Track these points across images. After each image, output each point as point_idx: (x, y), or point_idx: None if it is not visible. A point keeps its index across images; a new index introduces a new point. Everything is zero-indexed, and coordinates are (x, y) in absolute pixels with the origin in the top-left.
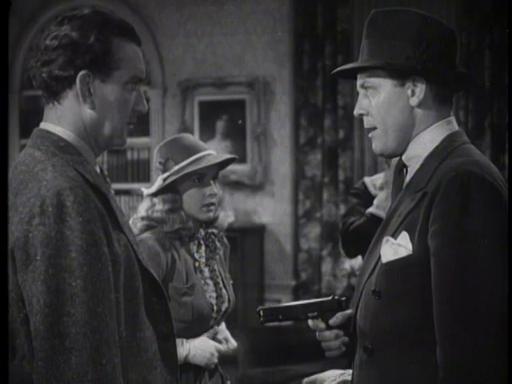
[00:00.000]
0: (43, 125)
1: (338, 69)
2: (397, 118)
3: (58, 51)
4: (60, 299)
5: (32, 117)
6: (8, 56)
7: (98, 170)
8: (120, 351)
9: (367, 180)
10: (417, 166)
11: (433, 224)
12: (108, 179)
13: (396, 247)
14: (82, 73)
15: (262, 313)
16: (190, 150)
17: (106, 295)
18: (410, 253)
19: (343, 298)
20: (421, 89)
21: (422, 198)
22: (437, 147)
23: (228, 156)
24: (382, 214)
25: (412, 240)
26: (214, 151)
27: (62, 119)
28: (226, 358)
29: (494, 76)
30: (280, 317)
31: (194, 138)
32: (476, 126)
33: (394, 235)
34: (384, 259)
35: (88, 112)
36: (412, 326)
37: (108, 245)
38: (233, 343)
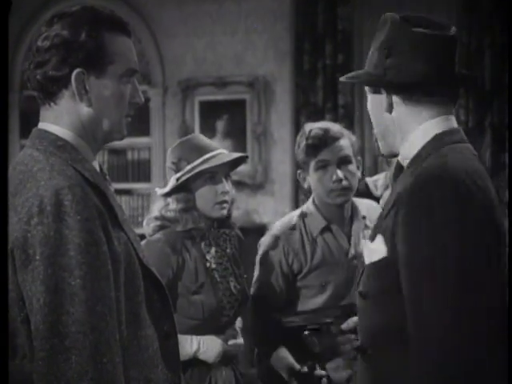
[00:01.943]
0: (41, 125)
1: (348, 79)
2: (380, 122)
3: (50, 52)
4: (59, 298)
5: (32, 117)
6: (8, 56)
7: (97, 167)
8: (121, 350)
9: (369, 180)
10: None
11: (399, 227)
12: (107, 177)
13: (372, 250)
14: (76, 71)
15: (283, 320)
16: (202, 149)
17: (105, 294)
18: (385, 255)
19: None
20: (390, 97)
21: (395, 200)
22: (422, 148)
23: (240, 154)
24: None
25: (386, 243)
26: (225, 150)
27: (59, 118)
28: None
29: (495, 75)
30: (299, 323)
31: (205, 138)
32: (476, 126)
33: (372, 238)
34: (366, 261)
35: (85, 110)
36: (395, 326)
37: (107, 243)
38: (240, 341)
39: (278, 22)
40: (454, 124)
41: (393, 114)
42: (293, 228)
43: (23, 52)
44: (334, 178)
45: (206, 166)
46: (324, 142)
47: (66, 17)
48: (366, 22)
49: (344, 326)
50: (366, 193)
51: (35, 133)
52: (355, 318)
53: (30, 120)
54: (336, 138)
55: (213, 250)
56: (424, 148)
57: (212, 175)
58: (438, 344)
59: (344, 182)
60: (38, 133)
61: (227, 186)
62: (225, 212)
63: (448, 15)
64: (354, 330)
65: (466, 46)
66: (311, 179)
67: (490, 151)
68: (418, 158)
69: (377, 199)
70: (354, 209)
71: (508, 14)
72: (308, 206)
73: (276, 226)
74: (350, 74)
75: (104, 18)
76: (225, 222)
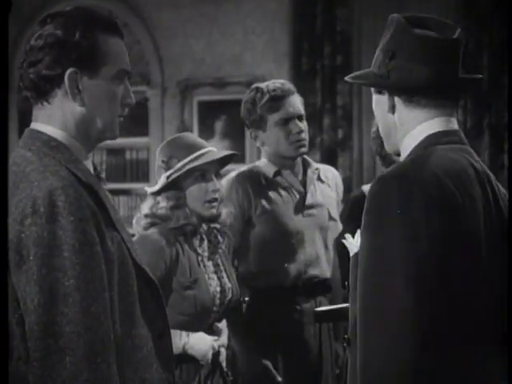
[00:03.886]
0: (33, 125)
1: (352, 79)
2: (382, 121)
3: (44, 51)
4: (53, 299)
5: (31, 117)
6: (8, 56)
7: (90, 167)
8: (115, 349)
9: (365, 188)
10: None
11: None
12: (101, 175)
13: (350, 245)
14: (69, 71)
15: (316, 315)
16: (192, 147)
17: (99, 294)
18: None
19: None
20: (392, 98)
21: None
22: (413, 149)
23: (230, 152)
24: None
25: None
26: (215, 148)
27: (52, 118)
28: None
29: (493, 75)
30: (333, 318)
31: (194, 136)
32: (474, 126)
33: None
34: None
35: (78, 109)
36: None
37: (101, 243)
38: (224, 339)
39: (277, 23)
40: (453, 125)
41: (395, 114)
42: (247, 173)
43: (21, 53)
44: (297, 129)
45: (196, 163)
46: (285, 94)
47: (60, 16)
48: (365, 23)
49: None
50: (363, 200)
51: (28, 133)
52: None
53: (28, 120)
54: (292, 92)
55: (205, 245)
56: (414, 149)
57: (202, 173)
58: (374, 340)
59: (303, 134)
60: (31, 133)
61: (217, 184)
62: (214, 211)
63: (446, 15)
64: None
65: (463, 46)
66: (269, 134)
67: (488, 152)
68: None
69: None
70: (306, 161)
71: (506, 14)
72: (259, 162)
73: (231, 173)
74: (354, 74)
75: (97, 18)
76: (215, 219)
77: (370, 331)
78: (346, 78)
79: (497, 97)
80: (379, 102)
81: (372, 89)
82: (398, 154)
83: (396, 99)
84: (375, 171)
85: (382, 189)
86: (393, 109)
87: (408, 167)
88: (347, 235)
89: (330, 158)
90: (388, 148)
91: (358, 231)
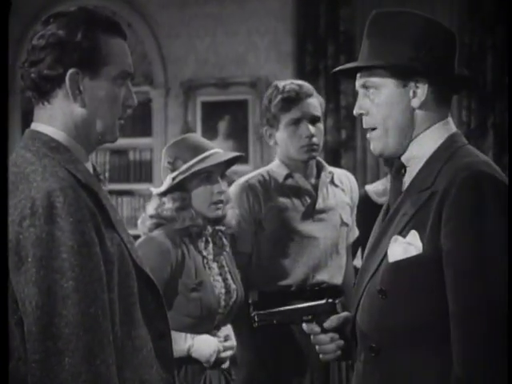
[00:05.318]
0: (34, 125)
1: (341, 67)
2: (398, 118)
3: (45, 51)
4: (52, 301)
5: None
6: (8, 56)
7: (90, 168)
8: (115, 350)
9: (369, 188)
10: (418, 167)
11: (447, 224)
12: (101, 177)
13: (406, 246)
14: (71, 71)
15: (256, 317)
16: (198, 148)
17: (98, 295)
18: (421, 252)
19: (337, 301)
20: (423, 90)
21: (429, 197)
22: (439, 148)
23: (236, 154)
24: None
25: (422, 239)
26: (220, 150)
27: (52, 119)
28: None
29: (497, 76)
30: (274, 321)
31: (200, 137)
32: (478, 126)
33: (402, 234)
34: (392, 258)
35: (79, 110)
36: (420, 325)
37: (100, 244)
38: (233, 342)
39: (280, 23)
40: (454, 127)
41: (417, 111)
42: (257, 177)
43: (24, 53)
44: (307, 133)
45: (202, 165)
46: (299, 96)
47: (62, 17)
48: None
49: (327, 325)
50: (366, 201)
51: (28, 134)
52: (339, 316)
53: (31, 121)
54: (309, 95)
55: (210, 247)
56: (441, 148)
57: (208, 175)
58: (488, 343)
59: (314, 139)
60: (31, 134)
61: (223, 185)
62: (220, 212)
63: (450, 16)
64: (337, 329)
65: (468, 47)
66: (280, 135)
67: (492, 152)
68: (439, 157)
69: (379, 207)
70: (320, 163)
71: (510, 16)
72: (272, 164)
73: (241, 178)
74: (384, 62)
75: (100, 19)
76: (220, 220)
77: (481, 331)
78: (380, 64)
79: (501, 97)
80: (400, 96)
81: (392, 83)
82: (391, 157)
83: (427, 94)
84: (379, 171)
85: (474, 190)
86: (421, 104)
87: (485, 167)
88: (396, 236)
89: (333, 159)
90: (387, 147)
91: (412, 231)
